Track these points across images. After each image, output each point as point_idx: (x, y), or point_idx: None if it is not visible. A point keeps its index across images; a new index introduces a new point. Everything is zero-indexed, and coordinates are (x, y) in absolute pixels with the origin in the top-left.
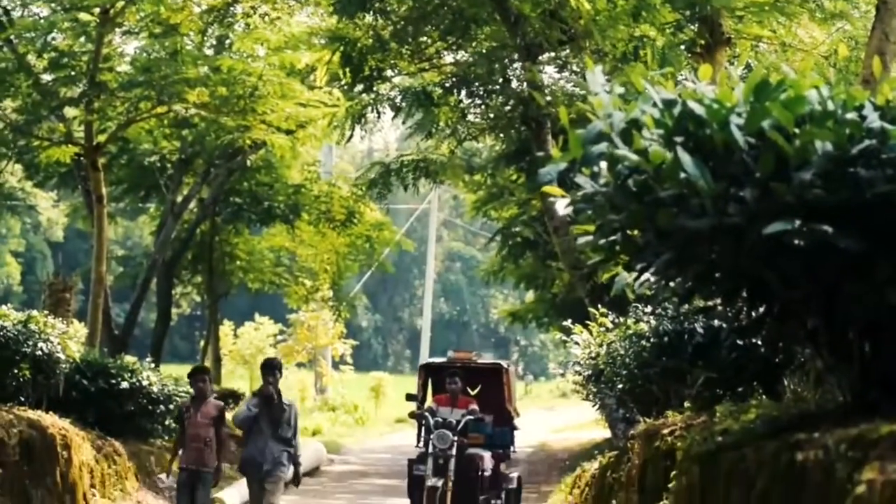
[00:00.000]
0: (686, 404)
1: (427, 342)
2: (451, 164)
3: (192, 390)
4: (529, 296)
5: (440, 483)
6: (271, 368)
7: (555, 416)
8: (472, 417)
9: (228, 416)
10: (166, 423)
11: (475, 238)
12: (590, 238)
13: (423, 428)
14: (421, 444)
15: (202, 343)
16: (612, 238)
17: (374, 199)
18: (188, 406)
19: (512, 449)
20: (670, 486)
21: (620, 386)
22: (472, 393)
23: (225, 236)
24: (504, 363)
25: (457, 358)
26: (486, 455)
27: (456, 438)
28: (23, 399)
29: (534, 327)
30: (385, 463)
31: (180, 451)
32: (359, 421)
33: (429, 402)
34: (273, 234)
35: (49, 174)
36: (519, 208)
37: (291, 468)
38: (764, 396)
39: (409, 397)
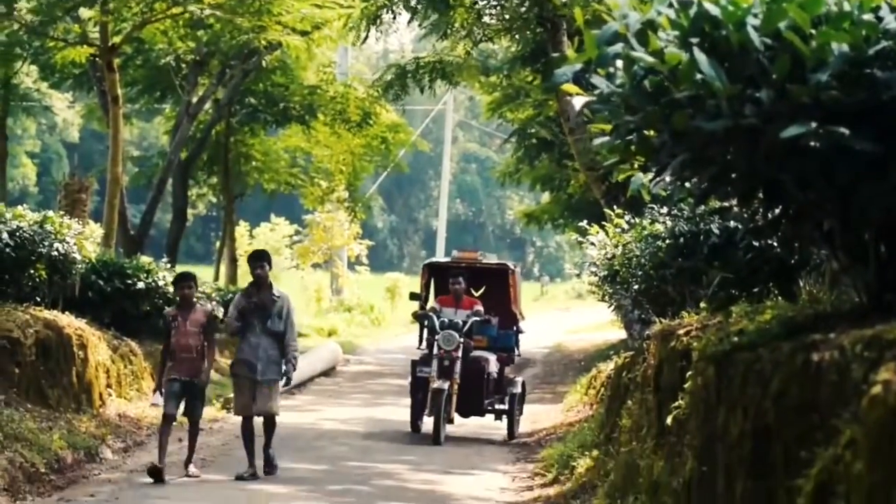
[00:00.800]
0: (702, 305)
1: (443, 243)
2: (466, 65)
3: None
4: (545, 197)
5: (446, 385)
6: (259, 258)
7: (570, 316)
8: (478, 319)
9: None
10: None
11: (491, 139)
12: (606, 139)
13: (424, 329)
14: (423, 345)
15: (218, 244)
16: (628, 139)
17: (390, 100)
18: (174, 314)
19: (516, 353)
20: (686, 386)
21: (636, 287)
22: (476, 294)
23: (240, 137)
24: (510, 264)
25: (461, 258)
26: (492, 358)
27: (462, 340)
28: (39, 299)
29: (549, 228)
30: (400, 363)
31: (168, 364)
32: (374, 321)
33: (431, 302)
34: (288, 135)
35: (64, 75)
36: (534, 109)
37: (288, 367)
38: (779, 297)
39: (414, 296)
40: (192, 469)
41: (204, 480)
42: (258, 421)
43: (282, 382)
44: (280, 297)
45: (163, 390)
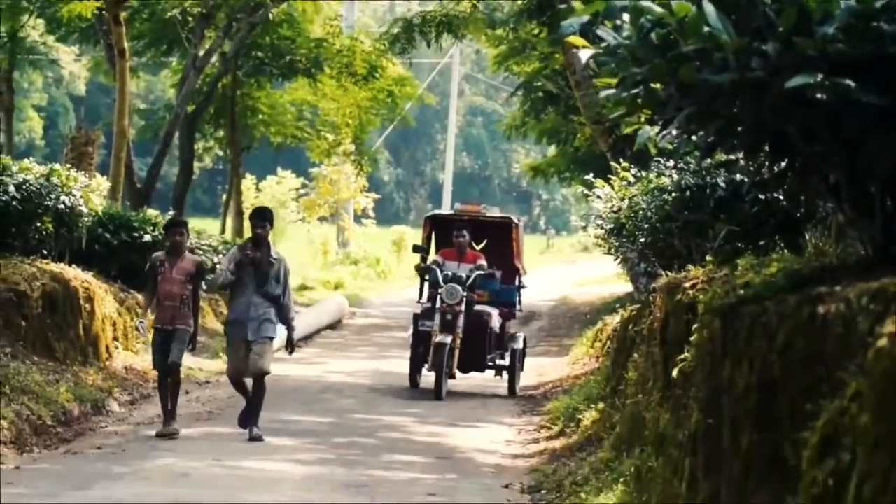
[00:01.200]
0: (708, 258)
1: (449, 196)
2: (472, 18)
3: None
4: (551, 150)
5: (448, 340)
6: (261, 217)
7: (576, 269)
8: (481, 272)
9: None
10: None
11: (497, 92)
12: (612, 91)
13: (425, 282)
14: (423, 298)
15: (224, 197)
16: (635, 92)
17: (397, 54)
18: (162, 260)
19: (518, 308)
20: (691, 338)
21: (642, 240)
22: (478, 248)
23: (247, 90)
24: (514, 217)
25: (464, 210)
26: (495, 312)
27: (465, 294)
28: (45, 252)
29: (556, 182)
30: (406, 316)
31: (150, 310)
32: (380, 274)
33: (433, 255)
34: (295, 88)
35: (71, 28)
36: (541, 62)
37: (280, 328)
38: (785, 250)
39: (417, 249)
40: (172, 426)
41: (210, 433)
42: (250, 382)
43: (282, 346)
44: (278, 260)
45: (144, 322)
